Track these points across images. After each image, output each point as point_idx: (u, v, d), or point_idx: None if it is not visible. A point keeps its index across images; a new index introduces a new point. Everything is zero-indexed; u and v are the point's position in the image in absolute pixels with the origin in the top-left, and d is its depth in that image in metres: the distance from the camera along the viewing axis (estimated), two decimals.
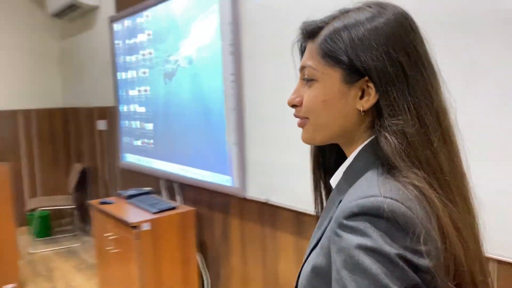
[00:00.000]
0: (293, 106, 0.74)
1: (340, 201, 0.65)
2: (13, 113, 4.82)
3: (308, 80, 0.71)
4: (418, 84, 0.64)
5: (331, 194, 0.73)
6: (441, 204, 0.60)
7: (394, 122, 0.63)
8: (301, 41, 0.75)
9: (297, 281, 0.71)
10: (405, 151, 0.61)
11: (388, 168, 0.63)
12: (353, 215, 0.58)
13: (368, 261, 0.55)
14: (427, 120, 0.63)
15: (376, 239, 0.56)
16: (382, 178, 0.62)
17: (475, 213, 0.69)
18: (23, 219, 4.66)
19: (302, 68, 0.72)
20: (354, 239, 0.57)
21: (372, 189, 0.60)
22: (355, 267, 0.56)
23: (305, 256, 0.71)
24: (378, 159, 0.65)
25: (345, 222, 0.59)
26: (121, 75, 3.57)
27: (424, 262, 0.56)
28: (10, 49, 4.76)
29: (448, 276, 0.59)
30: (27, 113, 4.91)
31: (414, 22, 0.67)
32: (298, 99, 0.72)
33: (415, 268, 0.56)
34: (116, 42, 3.58)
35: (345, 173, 0.70)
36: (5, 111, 4.76)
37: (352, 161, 0.70)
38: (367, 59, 0.64)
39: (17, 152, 4.86)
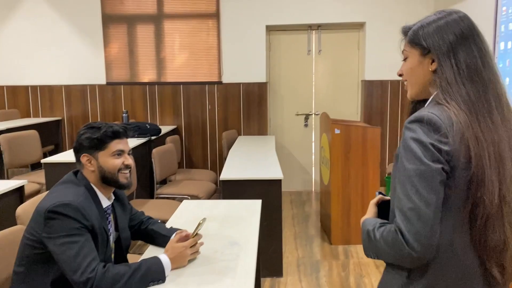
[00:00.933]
0: (400, 75, 1.25)
1: None
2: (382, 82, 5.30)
3: (404, 59, 1.23)
4: (462, 57, 1.11)
5: None
6: (467, 120, 1.06)
7: (444, 76, 1.11)
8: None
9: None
10: (448, 92, 1.10)
11: (440, 103, 1.10)
12: (411, 122, 1.09)
13: (413, 145, 1.06)
14: (463, 76, 1.09)
15: (419, 133, 1.06)
16: (432, 104, 1.13)
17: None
18: (382, 180, 5.14)
19: (402, 52, 1.23)
20: (408, 134, 1.08)
21: (424, 110, 1.10)
22: (406, 148, 1.07)
23: None
24: (438, 99, 1.12)
25: (407, 125, 1.10)
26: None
27: (445, 147, 1.03)
28: None
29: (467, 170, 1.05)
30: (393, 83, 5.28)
31: (465, 20, 1.14)
32: (400, 71, 1.25)
33: (440, 150, 1.03)
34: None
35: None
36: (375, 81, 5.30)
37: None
38: (430, 42, 1.14)
39: (385, 119, 5.38)
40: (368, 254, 1.18)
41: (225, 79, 5.54)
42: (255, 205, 2.44)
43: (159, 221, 2.02)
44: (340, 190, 3.83)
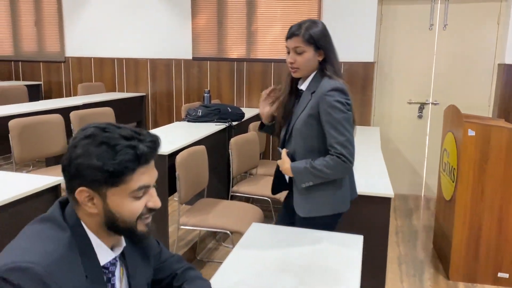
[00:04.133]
0: (291, 63, 1.89)
1: (313, 92, 1.84)
2: None
3: (299, 53, 1.85)
4: (333, 51, 1.87)
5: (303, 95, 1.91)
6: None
7: (330, 62, 1.84)
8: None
9: (291, 132, 1.92)
10: (330, 69, 1.83)
11: (331, 77, 1.82)
12: (330, 91, 1.78)
13: (337, 104, 1.77)
14: (335, 62, 1.86)
15: (338, 96, 1.79)
16: (319, 78, 1.85)
17: None
18: None
19: (296, 48, 1.86)
20: (330, 98, 1.77)
21: (329, 82, 1.81)
22: (332, 106, 1.76)
23: (294, 119, 1.91)
24: (322, 74, 1.85)
25: (328, 93, 1.78)
26: None
27: (349, 102, 1.83)
28: None
29: None
30: None
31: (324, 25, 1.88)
32: (292, 60, 1.89)
33: (349, 105, 1.81)
34: None
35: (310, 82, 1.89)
36: None
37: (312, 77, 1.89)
38: (321, 43, 1.83)
39: None
40: (302, 184, 1.85)
41: None
42: (355, 241, 1.67)
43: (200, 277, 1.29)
44: (468, 211, 2.86)
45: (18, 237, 0.98)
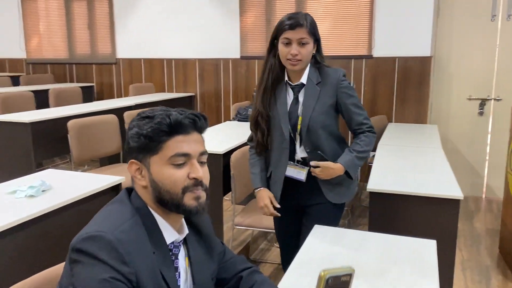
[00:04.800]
0: (295, 55, 1.80)
1: (319, 82, 1.87)
2: None
3: (302, 44, 1.80)
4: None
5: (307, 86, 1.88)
6: None
7: (321, 53, 1.90)
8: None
9: (308, 127, 1.86)
10: (322, 59, 1.90)
11: (325, 65, 1.90)
12: (343, 76, 1.89)
13: (350, 85, 1.92)
14: (322, 52, 1.91)
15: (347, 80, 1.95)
16: (315, 66, 1.90)
17: None
18: None
19: (302, 39, 1.80)
20: (345, 82, 1.91)
21: (329, 69, 1.90)
22: (350, 89, 1.90)
23: (307, 114, 1.85)
24: (317, 65, 1.89)
25: (342, 77, 1.88)
26: None
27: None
28: None
29: None
30: None
31: None
32: (296, 52, 1.80)
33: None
34: None
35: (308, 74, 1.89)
36: None
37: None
38: (318, 35, 1.86)
39: None
40: (355, 173, 1.90)
41: (376, 52, 4.52)
42: (428, 246, 1.55)
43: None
44: None
45: (91, 220, 1.02)
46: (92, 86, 6.01)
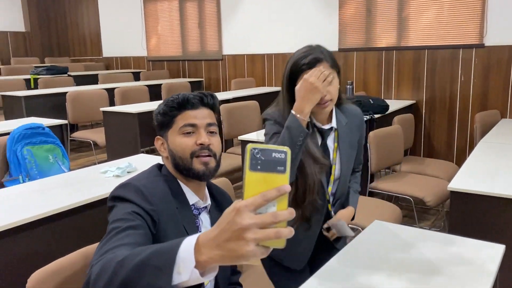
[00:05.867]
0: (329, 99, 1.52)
1: (346, 122, 1.61)
2: None
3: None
4: None
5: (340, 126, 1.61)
6: None
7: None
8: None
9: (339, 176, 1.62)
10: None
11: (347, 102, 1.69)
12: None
13: None
14: None
15: None
16: (343, 103, 1.65)
17: None
18: None
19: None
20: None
21: (352, 105, 1.70)
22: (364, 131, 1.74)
23: (341, 161, 1.62)
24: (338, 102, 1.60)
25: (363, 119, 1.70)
26: None
27: None
28: None
29: None
30: None
31: None
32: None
33: None
34: None
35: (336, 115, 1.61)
36: None
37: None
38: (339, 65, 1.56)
39: None
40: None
41: (489, 41, 4.08)
42: (493, 250, 1.40)
43: None
44: None
45: None
46: (201, 81, 6.45)
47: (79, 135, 4.51)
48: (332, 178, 1.60)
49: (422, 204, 3.08)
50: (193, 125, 1.19)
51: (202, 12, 6.34)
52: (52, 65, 6.28)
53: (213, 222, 1.23)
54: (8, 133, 2.62)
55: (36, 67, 6.10)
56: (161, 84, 5.56)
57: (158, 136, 1.26)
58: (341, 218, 1.62)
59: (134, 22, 7.18)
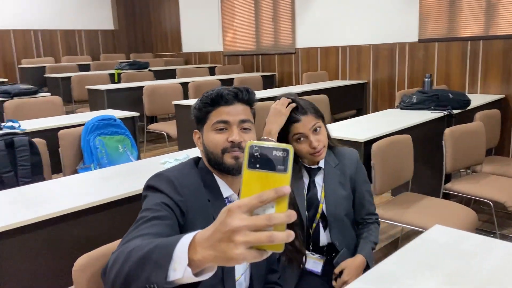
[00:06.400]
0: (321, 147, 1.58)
1: (336, 165, 1.66)
2: None
3: (315, 130, 1.59)
4: None
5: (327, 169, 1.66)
6: None
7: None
8: None
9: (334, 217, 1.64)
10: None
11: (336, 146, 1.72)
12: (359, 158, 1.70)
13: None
14: None
15: None
16: (335, 146, 1.71)
17: None
18: None
19: (314, 125, 1.58)
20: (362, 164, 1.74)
21: (348, 148, 1.73)
22: (365, 172, 1.73)
23: (330, 202, 1.64)
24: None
25: (359, 160, 1.72)
26: None
27: None
28: None
29: None
30: None
31: None
32: (320, 143, 1.58)
33: None
34: None
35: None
36: None
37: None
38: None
39: None
40: (372, 262, 1.64)
41: None
42: None
43: None
44: None
45: None
46: (273, 75, 6.43)
47: (154, 127, 4.73)
48: (318, 216, 1.64)
49: (503, 208, 2.78)
50: (225, 122, 1.18)
51: (277, 5, 6.31)
52: (134, 61, 6.66)
53: None
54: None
55: (120, 62, 6.51)
56: (233, 78, 5.63)
57: (195, 130, 1.28)
58: (346, 267, 1.60)
59: (211, 18, 7.36)
